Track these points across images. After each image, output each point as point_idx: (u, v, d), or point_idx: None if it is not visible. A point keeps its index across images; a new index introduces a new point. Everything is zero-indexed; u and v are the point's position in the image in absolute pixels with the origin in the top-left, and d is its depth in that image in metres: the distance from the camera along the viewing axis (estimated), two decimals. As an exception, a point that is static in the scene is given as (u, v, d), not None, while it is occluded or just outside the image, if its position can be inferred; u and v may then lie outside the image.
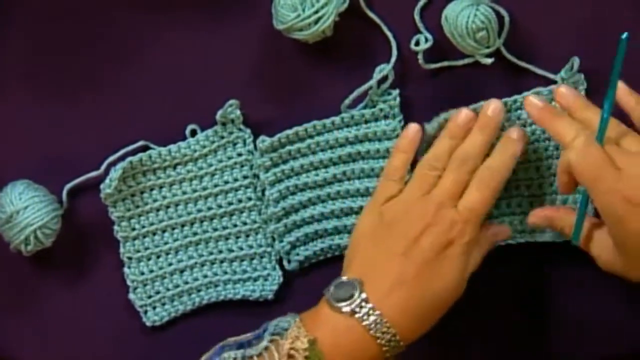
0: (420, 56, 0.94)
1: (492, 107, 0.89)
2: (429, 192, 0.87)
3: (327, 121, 0.94)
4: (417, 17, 0.95)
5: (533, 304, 0.95)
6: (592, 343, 0.95)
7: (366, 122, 0.95)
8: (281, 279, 0.95)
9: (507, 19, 0.93)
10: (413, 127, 0.90)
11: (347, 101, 0.94)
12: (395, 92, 0.94)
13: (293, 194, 0.94)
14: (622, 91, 0.87)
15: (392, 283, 0.84)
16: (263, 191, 0.95)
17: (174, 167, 0.95)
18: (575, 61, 0.92)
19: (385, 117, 0.95)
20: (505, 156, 0.88)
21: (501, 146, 0.89)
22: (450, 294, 0.86)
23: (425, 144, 0.91)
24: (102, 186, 0.93)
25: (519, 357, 0.96)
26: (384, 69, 0.94)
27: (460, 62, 0.94)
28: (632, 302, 0.95)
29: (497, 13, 0.93)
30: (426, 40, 0.94)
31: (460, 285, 0.86)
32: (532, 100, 0.88)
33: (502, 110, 0.89)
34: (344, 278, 0.85)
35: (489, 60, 0.92)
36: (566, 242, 0.90)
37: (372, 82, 0.93)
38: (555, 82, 0.93)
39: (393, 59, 0.94)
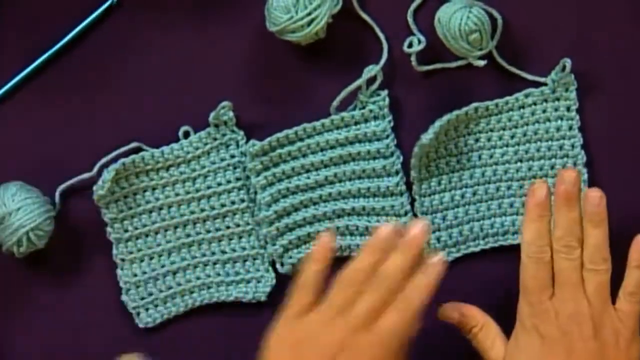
0: (413, 58, 0.94)
1: (417, 227, 0.85)
2: (344, 311, 0.83)
3: (317, 123, 0.94)
4: (410, 19, 0.95)
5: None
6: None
7: (356, 123, 0.95)
8: (274, 281, 0.95)
9: (500, 21, 0.94)
10: (324, 237, 0.86)
11: (335, 102, 0.94)
12: (384, 92, 0.94)
13: (285, 197, 0.94)
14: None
15: None
16: (256, 193, 0.95)
17: (167, 169, 0.95)
18: (567, 62, 0.92)
19: (375, 118, 0.95)
20: (428, 280, 0.84)
21: (424, 270, 0.85)
22: None
23: (421, 154, 0.92)
24: (94, 188, 0.92)
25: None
26: (372, 70, 0.94)
27: (453, 64, 0.95)
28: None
29: (490, 15, 0.93)
30: (419, 42, 0.94)
31: None
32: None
33: (428, 231, 0.85)
34: None
35: (482, 62, 0.92)
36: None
37: (360, 81, 0.93)
38: (545, 84, 0.94)
39: (382, 60, 0.94)
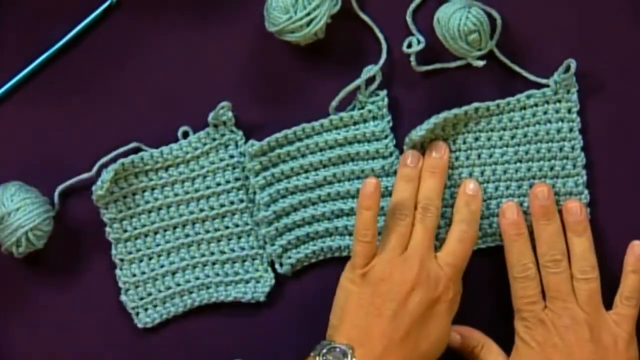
0: (412, 58, 0.94)
1: (437, 148, 0.91)
2: (405, 246, 0.88)
3: (316, 124, 0.94)
4: (409, 19, 0.95)
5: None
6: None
7: (355, 123, 0.95)
8: (273, 281, 0.94)
9: (499, 21, 0.93)
10: (370, 182, 0.89)
11: (333, 102, 0.94)
12: (383, 92, 0.94)
13: (284, 197, 0.94)
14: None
15: (383, 347, 0.85)
16: (255, 193, 0.94)
17: (166, 169, 0.95)
18: (572, 63, 0.92)
19: (374, 118, 0.94)
20: (473, 209, 0.91)
21: (464, 202, 0.91)
22: (435, 351, 0.88)
23: (410, 147, 0.92)
24: (93, 188, 0.93)
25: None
26: (371, 70, 0.93)
27: (453, 65, 0.94)
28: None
29: (489, 15, 0.93)
30: (418, 42, 0.94)
31: (445, 342, 0.88)
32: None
33: (447, 151, 0.91)
34: (334, 343, 0.85)
35: (481, 63, 0.92)
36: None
37: (359, 81, 0.93)
38: (547, 86, 0.93)
39: (382, 60, 0.93)
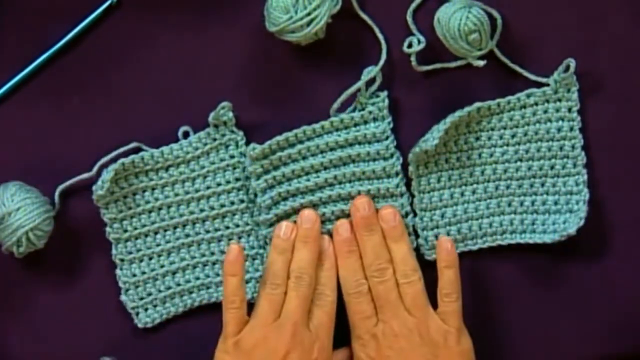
0: (412, 58, 0.94)
1: (305, 217, 0.92)
2: (279, 313, 0.89)
3: (317, 126, 0.94)
4: (409, 19, 0.95)
5: (531, 303, 0.95)
6: (592, 342, 0.95)
7: (355, 125, 0.95)
8: (273, 281, 0.95)
9: (499, 21, 0.94)
10: (232, 249, 0.89)
11: (335, 105, 0.94)
12: (384, 94, 0.94)
13: (285, 199, 0.94)
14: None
15: None
16: (255, 195, 0.94)
17: (166, 169, 0.95)
18: (572, 63, 0.93)
19: (375, 119, 0.94)
20: (330, 272, 0.91)
21: (323, 263, 0.92)
22: None
23: (420, 155, 0.93)
24: (94, 188, 0.92)
25: (519, 355, 0.96)
26: (371, 71, 0.94)
27: (453, 64, 0.95)
28: (632, 302, 0.95)
29: (490, 15, 0.93)
30: (419, 42, 0.94)
31: None
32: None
33: (317, 219, 0.92)
34: None
35: (482, 63, 0.92)
36: (566, 243, 0.91)
37: (360, 84, 0.93)
38: (547, 85, 0.94)
39: (381, 61, 0.94)
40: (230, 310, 0.88)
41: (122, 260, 0.95)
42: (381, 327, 0.89)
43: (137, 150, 0.95)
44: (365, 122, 0.95)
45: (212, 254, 0.95)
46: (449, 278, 0.90)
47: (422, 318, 0.89)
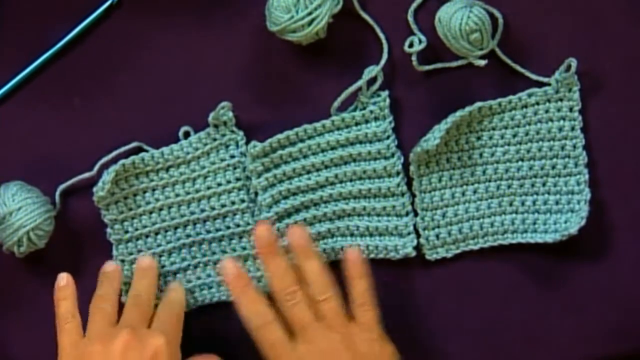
0: (414, 58, 0.94)
1: (142, 263, 0.93)
2: (114, 324, 0.88)
3: (318, 124, 0.94)
4: (410, 19, 0.95)
5: (531, 303, 0.95)
6: (592, 342, 0.95)
7: (356, 124, 0.95)
8: (274, 282, 0.94)
9: (500, 20, 0.94)
10: (61, 277, 0.90)
11: (336, 104, 0.94)
12: (385, 93, 0.94)
13: (285, 198, 0.94)
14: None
15: None
16: (256, 193, 0.94)
17: (167, 170, 0.95)
18: (573, 62, 0.93)
19: (376, 118, 0.94)
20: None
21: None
22: None
23: (421, 155, 0.92)
24: (94, 189, 0.92)
25: (520, 355, 0.96)
26: (372, 70, 0.94)
27: (454, 64, 0.94)
28: (633, 302, 0.95)
29: (491, 14, 0.93)
30: (420, 41, 0.94)
31: None
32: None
33: (154, 266, 0.93)
34: None
35: (483, 62, 0.92)
36: (567, 242, 0.91)
37: (361, 83, 0.93)
38: (548, 85, 0.94)
39: (383, 61, 0.94)
40: (65, 325, 0.89)
41: (123, 261, 0.94)
42: (304, 350, 0.88)
43: (137, 150, 0.95)
44: (367, 121, 0.95)
45: (213, 253, 0.95)
46: (361, 288, 0.89)
47: (344, 331, 0.88)
